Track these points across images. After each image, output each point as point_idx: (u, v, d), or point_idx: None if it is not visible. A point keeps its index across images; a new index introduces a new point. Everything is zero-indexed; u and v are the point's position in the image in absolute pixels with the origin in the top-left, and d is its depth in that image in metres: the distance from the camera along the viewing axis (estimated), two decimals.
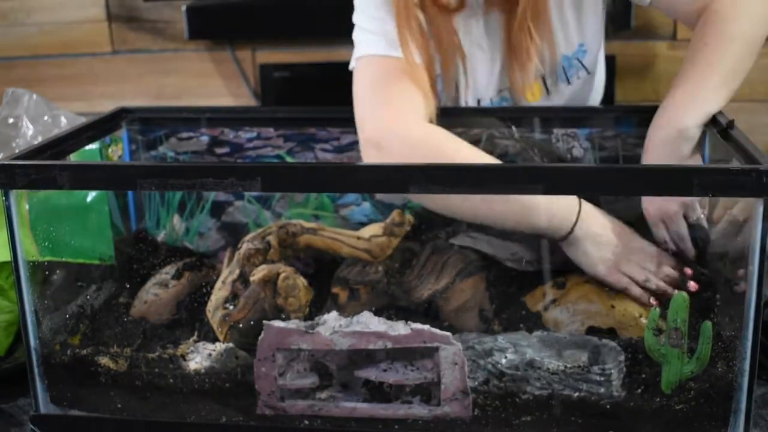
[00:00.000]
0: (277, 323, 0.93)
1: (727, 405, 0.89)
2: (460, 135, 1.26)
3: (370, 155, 1.10)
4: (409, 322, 0.93)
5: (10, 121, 1.32)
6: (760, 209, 0.83)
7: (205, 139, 1.33)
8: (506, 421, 0.92)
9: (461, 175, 0.88)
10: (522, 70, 1.25)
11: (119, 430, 0.98)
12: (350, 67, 1.22)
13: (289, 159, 1.31)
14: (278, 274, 1.02)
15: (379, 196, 1.28)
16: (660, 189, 0.89)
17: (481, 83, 1.31)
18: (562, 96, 1.32)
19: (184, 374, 0.98)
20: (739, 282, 0.95)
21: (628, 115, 1.24)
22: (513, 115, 1.26)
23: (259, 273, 1.03)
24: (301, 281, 1.03)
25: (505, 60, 1.29)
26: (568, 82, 1.31)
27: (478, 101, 1.33)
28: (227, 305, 1.04)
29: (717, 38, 1.06)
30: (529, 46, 1.22)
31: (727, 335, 0.96)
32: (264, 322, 0.94)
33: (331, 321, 0.94)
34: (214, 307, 1.05)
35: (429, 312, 1.05)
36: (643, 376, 0.94)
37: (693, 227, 1.10)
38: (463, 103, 1.31)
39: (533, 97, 1.32)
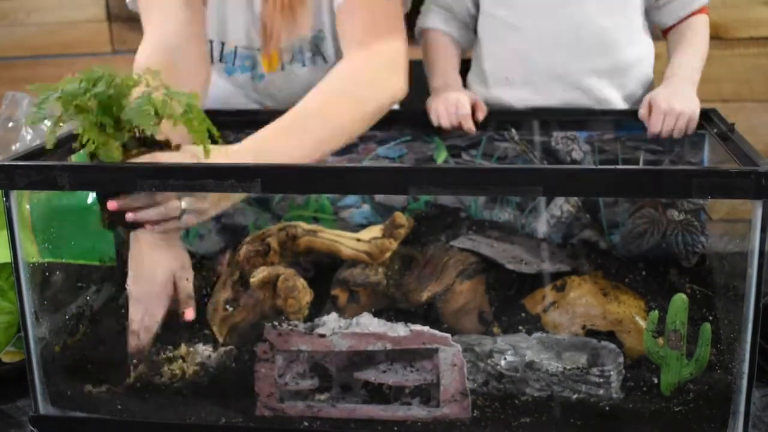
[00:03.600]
0: (277, 325, 0.93)
1: (726, 407, 0.89)
2: (460, 137, 1.26)
3: None
4: (408, 323, 0.93)
5: (10, 125, 1.33)
6: (759, 211, 0.83)
7: None
8: (505, 423, 0.92)
9: (461, 176, 0.88)
10: (268, 36, 1.29)
11: (118, 431, 0.98)
12: None
13: None
14: (278, 276, 1.02)
15: (378, 198, 1.28)
16: (659, 191, 0.89)
17: (232, 26, 1.31)
18: (296, 77, 1.33)
19: (183, 375, 0.98)
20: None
21: (628, 117, 1.24)
22: (513, 117, 1.26)
23: (259, 275, 1.03)
24: (301, 283, 1.02)
25: (262, 19, 1.30)
26: (303, 65, 1.32)
27: (222, 44, 1.33)
28: (227, 307, 1.04)
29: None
30: (276, 15, 1.26)
31: (726, 337, 0.97)
32: (264, 323, 0.94)
33: (330, 322, 0.94)
34: (214, 309, 1.05)
35: (429, 314, 1.05)
36: (642, 378, 0.94)
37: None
38: (210, 35, 1.31)
39: (270, 67, 1.34)
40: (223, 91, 1.37)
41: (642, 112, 1.19)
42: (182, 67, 1.14)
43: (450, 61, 1.34)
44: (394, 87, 1.16)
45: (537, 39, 1.27)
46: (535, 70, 1.28)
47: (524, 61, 1.29)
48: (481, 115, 1.23)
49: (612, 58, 1.28)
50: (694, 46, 1.28)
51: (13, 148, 1.32)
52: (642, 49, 1.31)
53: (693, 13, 1.30)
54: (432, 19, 1.35)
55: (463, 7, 1.34)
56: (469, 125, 1.21)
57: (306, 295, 1.03)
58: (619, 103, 1.31)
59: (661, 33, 1.34)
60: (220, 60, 1.35)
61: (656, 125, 1.16)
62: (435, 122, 1.23)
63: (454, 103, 1.22)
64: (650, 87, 1.35)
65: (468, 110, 1.22)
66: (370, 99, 1.13)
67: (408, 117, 1.30)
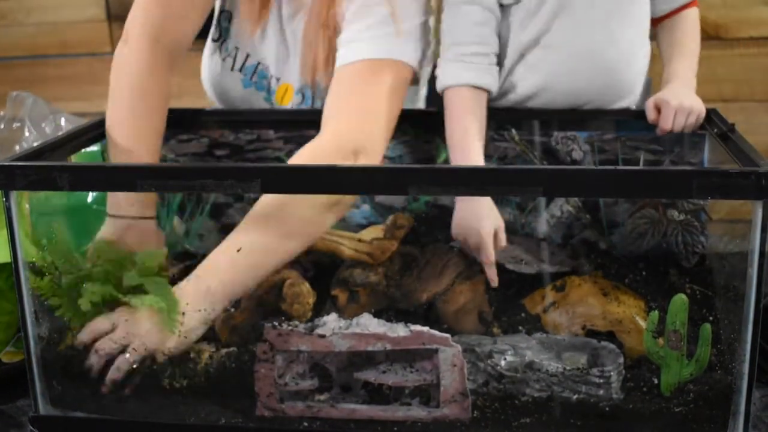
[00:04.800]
0: (277, 325, 0.93)
1: (726, 407, 0.89)
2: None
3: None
4: (408, 323, 0.93)
5: (15, 125, 1.33)
6: (759, 211, 0.83)
7: (205, 141, 1.33)
8: (505, 423, 0.92)
9: (461, 176, 0.88)
10: (307, 70, 1.27)
11: (118, 431, 0.98)
12: None
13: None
14: (283, 280, 1.02)
15: (378, 198, 1.28)
16: (660, 191, 0.89)
17: (264, 43, 1.31)
18: None
19: (184, 375, 0.98)
20: None
21: (628, 117, 1.24)
22: (513, 117, 1.26)
23: None
24: (306, 288, 1.02)
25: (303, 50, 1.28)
26: (312, 107, 1.29)
27: (247, 56, 1.32)
28: (228, 308, 1.04)
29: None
30: (314, 51, 1.24)
31: (726, 338, 0.96)
32: (264, 324, 0.94)
33: (330, 323, 0.94)
34: None
35: (429, 314, 1.05)
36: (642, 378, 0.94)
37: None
38: (236, 42, 1.32)
39: (281, 100, 1.32)
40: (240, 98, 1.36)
41: (651, 115, 1.18)
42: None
43: (471, 128, 1.16)
44: None
45: (565, 60, 1.22)
46: (557, 91, 1.24)
47: (549, 81, 1.24)
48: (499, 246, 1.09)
49: (632, 71, 1.26)
50: (689, 51, 1.28)
51: (17, 147, 1.33)
52: (647, 53, 1.31)
53: (684, 6, 1.29)
54: (451, 74, 1.19)
55: (491, 43, 1.21)
56: (491, 274, 1.07)
57: (310, 298, 1.03)
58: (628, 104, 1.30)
59: (651, 23, 1.33)
60: (240, 70, 1.34)
61: (668, 122, 1.15)
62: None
63: (477, 246, 1.08)
64: (649, 83, 1.35)
65: (493, 259, 1.06)
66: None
67: (408, 117, 1.30)
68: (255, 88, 1.33)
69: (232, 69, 1.34)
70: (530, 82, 1.24)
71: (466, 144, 1.14)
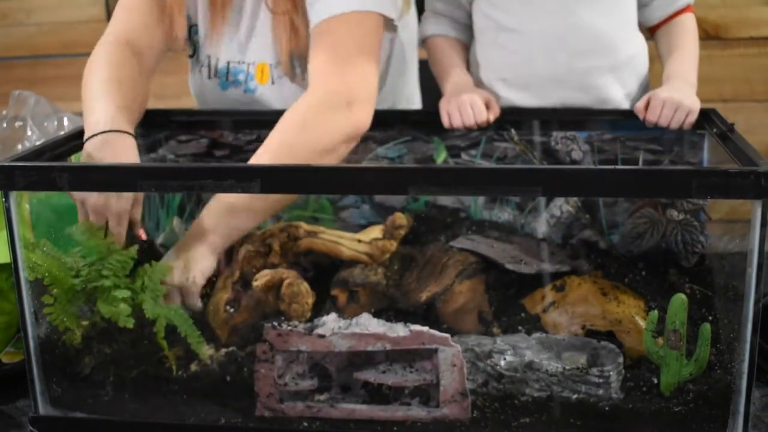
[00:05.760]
0: (277, 325, 0.93)
1: (725, 407, 0.89)
2: (460, 137, 1.26)
3: None
4: (408, 323, 0.93)
5: (17, 124, 1.34)
6: (759, 211, 0.83)
7: (204, 141, 1.33)
8: (505, 423, 0.92)
9: (461, 176, 0.88)
10: (279, 51, 1.28)
11: (118, 431, 0.98)
12: None
13: None
14: (282, 280, 1.02)
15: (378, 198, 1.28)
16: (659, 191, 0.89)
17: (225, 41, 1.32)
18: (283, 90, 1.31)
19: (183, 376, 0.98)
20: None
21: (628, 117, 1.24)
22: (513, 117, 1.26)
23: (262, 279, 1.02)
24: (305, 287, 1.02)
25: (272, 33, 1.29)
26: (292, 80, 1.30)
27: (217, 59, 1.34)
28: (228, 307, 1.04)
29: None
30: (282, 32, 1.26)
31: (726, 337, 0.96)
32: (264, 324, 0.94)
33: (330, 323, 0.94)
34: (215, 310, 1.05)
35: (428, 314, 1.05)
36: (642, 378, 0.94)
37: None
38: (207, 50, 1.34)
39: (261, 79, 1.32)
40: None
41: (638, 105, 1.19)
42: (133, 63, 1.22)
43: (456, 62, 1.33)
44: (347, 125, 1.11)
45: (537, 42, 1.27)
46: (535, 73, 1.28)
47: (524, 64, 1.29)
48: (492, 117, 1.22)
49: (611, 57, 1.28)
50: (688, 51, 1.29)
51: (20, 146, 1.33)
52: (637, 45, 1.32)
53: (679, 12, 1.30)
54: (432, 27, 1.35)
55: (462, 12, 1.34)
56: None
57: (309, 298, 1.03)
58: (620, 100, 1.31)
59: (648, 31, 1.34)
60: (216, 75, 1.34)
61: (654, 114, 1.16)
62: (446, 124, 1.22)
63: (469, 105, 1.21)
64: (646, 82, 1.36)
65: (485, 115, 1.21)
66: (316, 144, 1.08)
67: (408, 117, 1.30)
68: (233, 86, 1.34)
69: (209, 77, 1.35)
70: (506, 63, 1.30)
71: (451, 72, 1.30)
